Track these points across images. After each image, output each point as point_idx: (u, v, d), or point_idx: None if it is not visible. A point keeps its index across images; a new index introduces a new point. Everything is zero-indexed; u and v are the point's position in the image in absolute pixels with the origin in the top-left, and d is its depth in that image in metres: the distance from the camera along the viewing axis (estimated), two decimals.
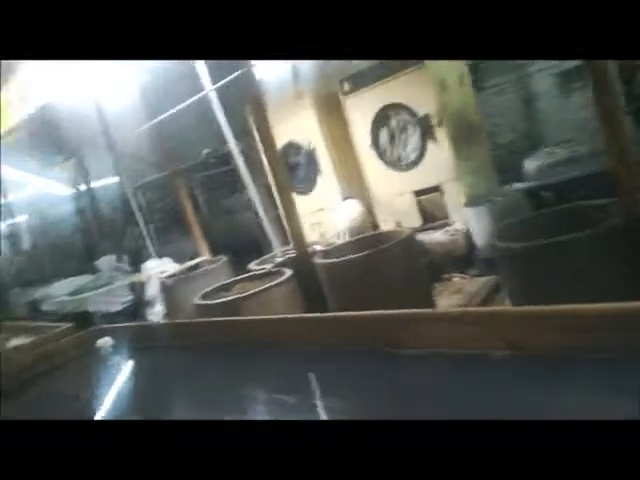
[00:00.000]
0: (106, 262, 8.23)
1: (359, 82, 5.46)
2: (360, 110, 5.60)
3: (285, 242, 6.79)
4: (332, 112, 5.82)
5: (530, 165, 5.06)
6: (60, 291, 7.75)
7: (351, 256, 3.84)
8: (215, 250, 6.64)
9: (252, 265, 4.95)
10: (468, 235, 4.85)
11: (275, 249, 6.74)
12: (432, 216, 5.38)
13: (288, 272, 4.03)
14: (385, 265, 3.74)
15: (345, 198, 5.80)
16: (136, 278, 6.47)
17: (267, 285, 3.81)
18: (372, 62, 5.25)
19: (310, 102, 5.74)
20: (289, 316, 2.60)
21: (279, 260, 4.43)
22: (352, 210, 5.54)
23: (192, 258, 6.53)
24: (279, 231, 6.97)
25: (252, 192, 5.92)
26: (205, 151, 8.14)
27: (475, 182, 5.20)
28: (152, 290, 5.93)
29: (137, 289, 6.34)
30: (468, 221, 4.87)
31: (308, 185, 6.31)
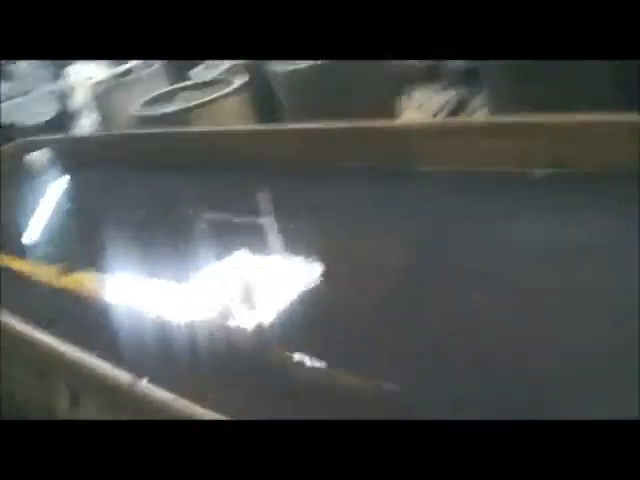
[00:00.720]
0: (24, 66, 7.26)
1: None
2: None
3: None
4: None
5: None
6: None
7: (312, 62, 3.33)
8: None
9: (194, 72, 4.36)
10: None
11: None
12: None
13: (238, 80, 3.53)
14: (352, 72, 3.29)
15: None
16: (61, 84, 5.72)
17: (217, 94, 3.34)
18: None
19: None
20: (249, 127, 2.27)
21: (227, 66, 3.87)
22: None
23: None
24: None
25: None
26: None
27: None
28: (80, 99, 5.28)
29: (62, 97, 5.62)
30: None
31: None
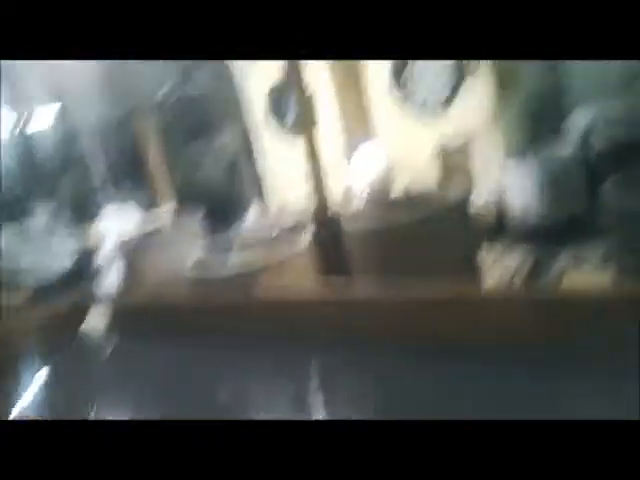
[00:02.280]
0: (40, 218, 7.01)
1: None
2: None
3: (261, 196, 5.92)
4: None
5: (576, 118, 4.30)
6: None
7: (400, 220, 3.07)
8: (181, 206, 5.64)
9: (242, 226, 4.00)
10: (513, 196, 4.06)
11: (253, 203, 5.83)
12: (457, 173, 4.54)
13: (303, 237, 3.21)
14: (438, 233, 3.04)
15: (355, 142, 4.82)
16: (84, 238, 5.35)
17: (288, 253, 3.01)
18: None
19: None
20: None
21: (288, 222, 3.49)
22: (376, 157, 4.48)
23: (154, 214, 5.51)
24: (256, 183, 6.05)
25: (228, 136, 5.13)
26: (162, 91, 6.94)
27: (513, 133, 4.47)
28: (107, 253, 4.85)
29: (85, 250, 5.21)
30: (513, 178, 4.07)
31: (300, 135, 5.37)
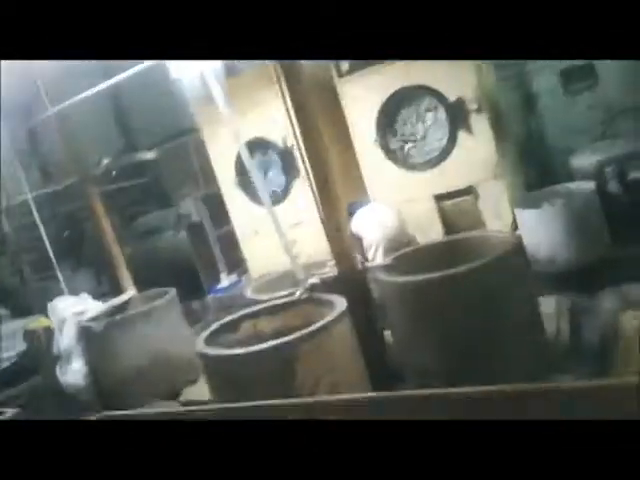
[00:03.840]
0: None
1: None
2: (363, 96, 4.39)
3: (238, 264, 5.42)
4: (322, 99, 4.50)
5: (581, 161, 4.15)
6: None
7: (447, 271, 2.68)
8: (139, 282, 5.00)
9: (250, 293, 3.47)
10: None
11: (224, 273, 5.26)
12: (458, 225, 4.26)
13: (337, 300, 2.76)
14: (487, 284, 2.66)
15: (354, 204, 4.43)
16: (36, 323, 4.61)
17: (327, 320, 2.56)
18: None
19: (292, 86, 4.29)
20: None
21: (309, 282, 2.98)
22: (385, 216, 4.10)
23: (113, 294, 4.98)
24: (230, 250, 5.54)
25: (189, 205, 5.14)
26: (105, 160, 6.41)
27: (518, 181, 4.28)
28: (67, 339, 4.14)
29: (37, 339, 4.47)
30: (523, 227, 3.79)
31: (279, 193, 4.99)
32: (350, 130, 4.56)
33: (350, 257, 2.98)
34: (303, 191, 4.90)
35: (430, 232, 4.31)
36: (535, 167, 4.77)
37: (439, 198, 4.35)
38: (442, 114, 4.21)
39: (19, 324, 5.64)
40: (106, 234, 5.13)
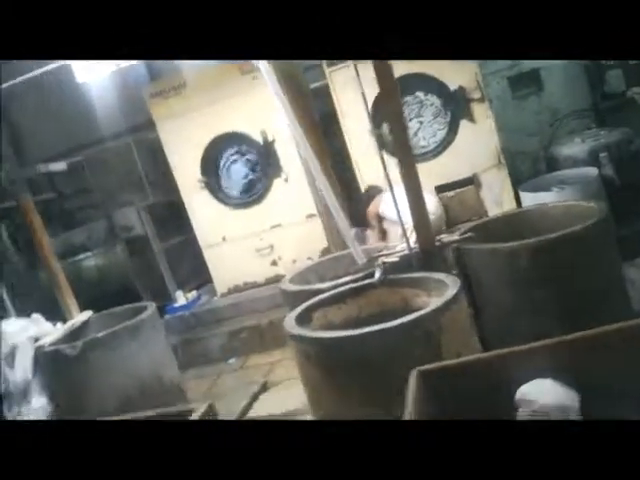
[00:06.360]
0: None
1: None
2: (355, 85, 4.21)
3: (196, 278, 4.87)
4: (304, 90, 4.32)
5: (572, 149, 4.30)
6: None
7: (543, 237, 2.65)
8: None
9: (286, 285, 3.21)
10: None
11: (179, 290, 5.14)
12: (458, 216, 4.27)
13: (433, 276, 2.59)
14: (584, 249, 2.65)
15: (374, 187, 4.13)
16: None
17: (453, 292, 2.33)
18: None
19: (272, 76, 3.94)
20: None
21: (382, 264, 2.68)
22: (429, 202, 3.86)
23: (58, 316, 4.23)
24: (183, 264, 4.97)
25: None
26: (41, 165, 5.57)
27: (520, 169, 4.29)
28: (22, 371, 3.34)
29: None
30: None
31: (256, 194, 4.58)
32: (341, 120, 4.46)
33: (429, 234, 2.76)
34: (284, 191, 4.58)
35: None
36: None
37: (438, 189, 4.33)
38: (442, 103, 4.20)
39: None
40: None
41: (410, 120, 4.31)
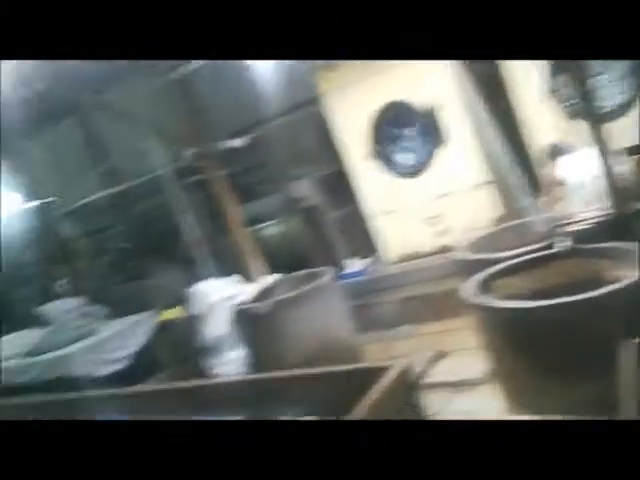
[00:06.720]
0: (59, 308, 5.81)
1: None
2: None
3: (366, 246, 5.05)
4: None
5: None
6: (6, 352, 5.30)
7: None
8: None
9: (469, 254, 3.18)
10: None
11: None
12: None
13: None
14: None
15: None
16: (168, 314, 4.20)
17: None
18: None
19: None
20: None
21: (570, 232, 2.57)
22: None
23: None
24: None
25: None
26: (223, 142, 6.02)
27: None
28: (219, 326, 3.69)
29: (181, 328, 4.05)
30: None
31: (419, 163, 4.52)
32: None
33: (627, 198, 2.53)
34: (451, 159, 4.54)
35: None
36: None
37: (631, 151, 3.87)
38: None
39: (126, 322, 5.30)
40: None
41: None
